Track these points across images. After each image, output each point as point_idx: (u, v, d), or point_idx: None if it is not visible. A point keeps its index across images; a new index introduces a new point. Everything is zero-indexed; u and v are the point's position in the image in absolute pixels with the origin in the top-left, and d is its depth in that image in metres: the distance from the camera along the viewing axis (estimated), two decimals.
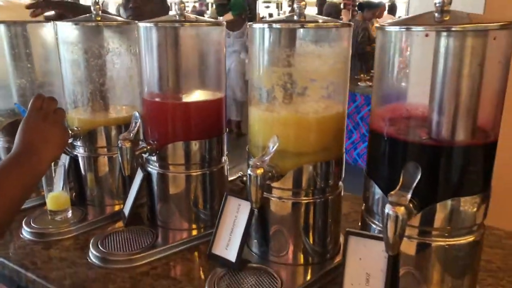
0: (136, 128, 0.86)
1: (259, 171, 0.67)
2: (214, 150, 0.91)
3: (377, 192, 0.63)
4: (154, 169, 0.91)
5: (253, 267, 0.77)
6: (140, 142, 0.88)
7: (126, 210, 0.93)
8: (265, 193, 0.76)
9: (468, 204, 0.59)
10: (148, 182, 0.92)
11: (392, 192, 0.54)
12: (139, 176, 0.93)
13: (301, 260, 0.78)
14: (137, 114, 0.88)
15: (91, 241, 0.85)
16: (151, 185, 0.92)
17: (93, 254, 0.82)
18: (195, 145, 0.88)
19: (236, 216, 0.78)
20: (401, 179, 0.56)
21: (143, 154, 0.88)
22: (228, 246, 0.77)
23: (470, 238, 0.62)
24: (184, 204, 0.91)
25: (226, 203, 0.80)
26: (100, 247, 0.83)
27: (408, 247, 0.61)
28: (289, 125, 0.71)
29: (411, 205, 0.57)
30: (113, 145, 0.99)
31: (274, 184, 0.75)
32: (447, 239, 0.60)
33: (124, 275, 0.75)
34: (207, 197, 0.92)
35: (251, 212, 0.76)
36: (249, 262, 0.78)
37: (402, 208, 0.53)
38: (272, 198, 0.76)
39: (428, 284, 0.62)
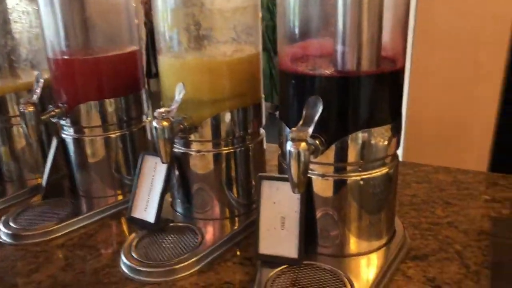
0: (39, 90, 0.79)
1: (165, 123, 0.62)
2: (132, 108, 0.85)
3: (288, 131, 0.60)
4: (68, 135, 0.84)
5: (176, 226, 0.74)
6: (50, 107, 0.82)
7: (44, 182, 0.87)
8: (182, 148, 0.73)
9: (379, 136, 0.58)
10: (64, 150, 0.86)
11: (293, 129, 0.51)
12: (53, 144, 0.87)
13: (227, 213, 0.76)
14: (39, 73, 0.81)
15: (2, 219, 0.79)
16: (67, 152, 0.86)
17: (3, 232, 0.76)
18: (109, 104, 0.83)
19: (153, 176, 0.74)
20: (303, 115, 0.53)
21: (53, 119, 0.81)
22: (147, 207, 0.73)
23: (384, 170, 0.60)
24: (105, 170, 0.86)
25: (142, 162, 0.76)
26: (12, 224, 0.77)
27: (324, 186, 0.59)
28: (197, 71, 0.66)
29: (317, 141, 0.55)
30: None
31: (192, 137, 0.71)
32: (361, 173, 0.59)
33: (36, 249, 0.70)
34: (129, 160, 0.87)
35: (168, 169, 0.72)
36: (171, 222, 0.75)
37: (303, 144, 0.50)
38: (191, 153, 0.72)
39: (346, 222, 0.61)
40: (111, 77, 0.82)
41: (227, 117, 0.70)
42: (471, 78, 1.90)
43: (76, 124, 0.83)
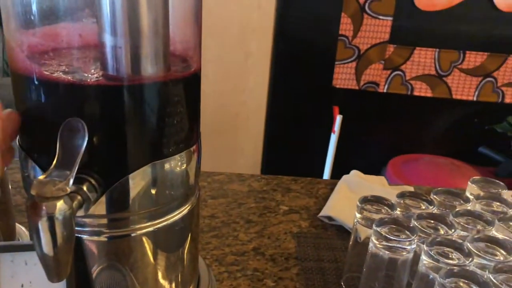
0: None
1: None
2: None
3: (38, 173, 0.38)
4: None
5: None
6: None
7: None
8: None
9: (178, 165, 0.41)
10: None
11: (40, 178, 0.30)
12: None
13: None
14: None
15: None
16: None
17: None
18: None
19: None
20: (57, 151, 0.33)
21: None
22: None
23: (185, 209, 0.45)
24: None
25: None
26: None
27: (101, 248, 0.40)
28: None
29: (84, 187, 0.35)
30: None
31: None
32: (154, 222, 0.42)
33: None
34: None
35: None
36: None
37: (61, 203, 0.30)
38: None
39: (137, 277, 0.43)
40: None
41: None
42: (243, 70, 1.94)
43: None
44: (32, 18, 0.36)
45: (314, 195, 0.79)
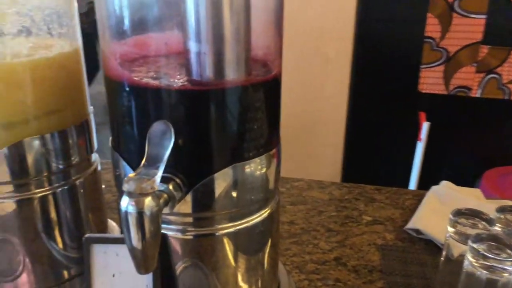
0: None
1: None
2: None
3: (128, 171, 0.40)
4: None
5: None
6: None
7: None
8: None
9: (258, 169, 0.41)
10: None
11: (130, 175, 0.32)
12: None
13: (46, 282, 0.52)
14: None
15: None
16: None
17: None
18: None
19: None
20: (146, 152, 0.34)
21: None
22: None
23: (265, 212, 0.45)
24: None
25: None
26: None
27: (186, 245, 0.41)
28: None
29: (170, 186, 0.37)
30: None
31: None
32: (235, 223, 0.42)
33: None
34: None
35: None
36: None
37: (148, 199, 0.31)
38: None
39: (218, 277, 0.43)
40: None
41: (34, 145, 0.47)
42: (321, 77, 1.91)
43: None
44: (124, 29, 0.38)
45: (400, 206, 0.75)
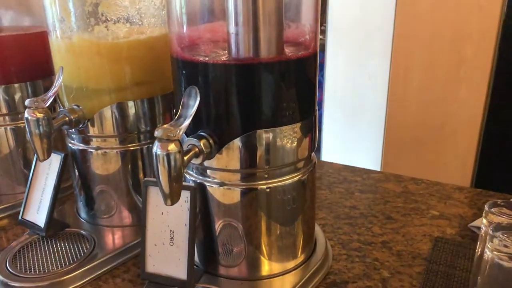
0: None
1: (39, 114, 0.52)
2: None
3: None
4: None
5: (70, 232, 0.64)
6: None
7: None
8: (80, 144, 0.63)
9: (285, 137, 0.48)
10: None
11: (161, 126, 0.41)
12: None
13: (134, 221, 0.66)
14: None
15: None
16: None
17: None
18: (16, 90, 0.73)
19: (48, 174, 0.64)
20: (179, 110, 0.43)
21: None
22: (39, 209, 0.64)
23: (295, 177, 0.50)
24: (11, 165, 0.76)
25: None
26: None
27: (222, 196, 0.50)
28: (84, 54, 0.56)
29: (202, 142, 0.45)
30: None
31: (91, 132, 0.62)
32: (267, 181, 0.49)
33: None
34: None
35: (61, 167, 0.63)
36: (66, 227, 0.65)
37: (172, 145, 0.40)
38: (90, 150, 0.62)
39: (249, 239, 0.51)
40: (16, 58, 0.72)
41: (129, 108, 0.60)
42: (454, 78, 1.79)
43: None
44: (183, 20, 0.48)
45: (477, 206, 0.71)
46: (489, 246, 0.42)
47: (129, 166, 0.63)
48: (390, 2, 1.76)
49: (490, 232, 0.42)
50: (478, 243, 0.48)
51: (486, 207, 0.46)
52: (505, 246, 0.41)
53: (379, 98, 1.91)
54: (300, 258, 0.55)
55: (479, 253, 0.49)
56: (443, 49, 1.76)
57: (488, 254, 0.42)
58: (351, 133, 2.04)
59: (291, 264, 0.54)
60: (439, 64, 1.79)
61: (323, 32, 1.96)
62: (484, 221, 0.46)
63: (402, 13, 1.73)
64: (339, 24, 1.91)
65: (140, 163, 0.64)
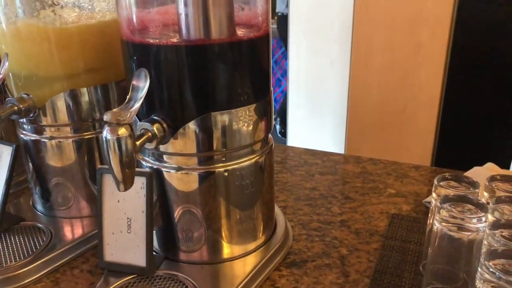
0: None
1: None
2: None
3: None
4: None
5: (25, 226, 0.62)
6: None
7: None
8: (33, 134, 0.61)
9: (240, 119, 0.48)
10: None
11: (111, 110, 0.40)
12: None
13: (89, 210, 0.65)
14: None
15: None
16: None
17: None
18: None
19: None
20: (128, 93, 0.42)
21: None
22: None
23: (252, 159, 0.51)
24: None
25: None
26: None
27: (179, 181, 0.49)
28: (29, 40, 0.54)
29: (155, 126, 0.45)
30: None
31: (44, 122, 0.60)
32: (225, 164, 0.49)
33: None
34: None
35: (12, 160, 0.61)
36: (21, 221, 0.63)
37: (123, 129, 0.39)
38: (43, 140, 0.60)
39: (208, 223, 0.51)
40: None
41: (82, 96, 0.59)
42: (413, 61, 1.83)
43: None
44: (131, 3, 0.46)
45: (431, 183, 0.74)
46: (437, 218, 0.44)
47: (85, 155, 0.62)
48: None
49: (438, 204, 0.44)
50: (429, 215, 0.50)
51: (435, 181, 0.48)
52: (453, 217, 0.43)
53: (341, 83, 1.94)
54: (261, 239, 0.55)
55: (430, 226, 0.51)
56: (402, 33, 1.80)
57: (437, 225, 0.44)
58: (315, 119, 2.06)
59: (251, 245, 0.54)
60: (398, 48, 1.83)
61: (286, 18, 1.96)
62: (434, 194, 0.48)
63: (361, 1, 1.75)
64: (300, 11, 1.92)
65: (96, 152, 0.63)
